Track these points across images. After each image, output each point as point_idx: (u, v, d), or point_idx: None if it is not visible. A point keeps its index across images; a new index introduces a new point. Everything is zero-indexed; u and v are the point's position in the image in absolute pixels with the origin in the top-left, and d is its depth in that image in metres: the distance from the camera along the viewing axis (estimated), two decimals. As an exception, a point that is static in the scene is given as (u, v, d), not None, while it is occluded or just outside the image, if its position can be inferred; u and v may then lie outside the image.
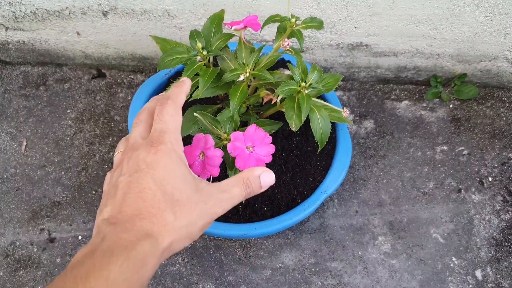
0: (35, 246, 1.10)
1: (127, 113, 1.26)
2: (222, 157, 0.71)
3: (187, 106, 0.89)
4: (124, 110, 1.27)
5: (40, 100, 1.29)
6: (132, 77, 1.33)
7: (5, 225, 1.12)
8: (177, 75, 1.08)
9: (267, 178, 0.60)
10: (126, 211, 0.49)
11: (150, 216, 0.49)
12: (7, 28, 1.23)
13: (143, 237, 0.47)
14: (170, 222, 0.49)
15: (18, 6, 1.15)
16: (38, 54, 1.32)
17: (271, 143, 0.74)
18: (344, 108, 0.81)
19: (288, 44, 0.75)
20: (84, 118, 1.26)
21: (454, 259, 1.10)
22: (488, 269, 1.09)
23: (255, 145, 0.72)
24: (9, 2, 1.14)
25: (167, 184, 0.51)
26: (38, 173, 1.19)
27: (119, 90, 1.31)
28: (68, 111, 1.27)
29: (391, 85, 1.34)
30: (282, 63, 1.07)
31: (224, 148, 0.76)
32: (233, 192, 0.56)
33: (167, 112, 0.57)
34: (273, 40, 1.19)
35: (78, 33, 1.23)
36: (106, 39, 1.24)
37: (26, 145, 1.23)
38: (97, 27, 1.20)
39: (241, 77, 0.77)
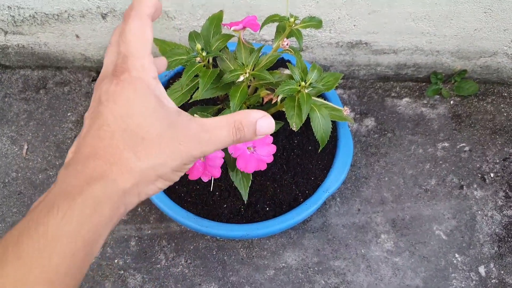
0: (38, 250, 1.10)
1: (127, 115, 1.26)
2: (223, 158, 0.72)
3: (188, 106, 0.90)
4: (124, 112, 1.27)
5: (40, 103, 1.29)
6: (132, 79, 1.33)
7: (8, 229, 1.12)
8: (176, 76, 1.08)
9: (265, 124, 0.49)
10: (83, 152, 0.42)
11: (107, 156, 0.42)
12: (6, 32, 1.23)
13: (95, 179, 0.40)
14: (132, 162, 0.42)
15: (17, 10, 1.15)
16: (38, 58, 1.32)
17: (272, 143, 0.74)
18: (345, 107, 0.81)
19: (287, 44, 0.75)
20: (84, 120, 1.26)
21: (457, 255, 1.10)
22: (492, 265, 1.09)
23: (256, 145, 0.73)
24: (8, 6, 1.14)
25: (129, 120, 0.43)
26: (40, 176, 1.19)
27: (119, 92, 1.31)
28: (69, 114, 1.27)
29: (391, 82, 1.34)
30: (281, 62, 1.07)
31: (225, 148, 0.76)
32: (218, 135, 0.46)
33: (129, 30, 0.45)
34: (272, 39, 1.19)
35: (77, 36, 1.23)
36: (105, 41, 1.24)
37: (27, 148, 1.23)
38: (96, 30, 1.20)
39: (241, 78, 0.77)
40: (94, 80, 1.33)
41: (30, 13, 1.16)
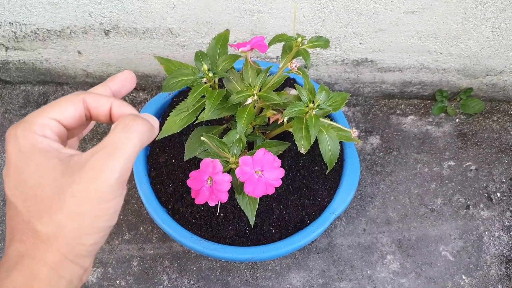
0: (38, 270, 1.08)
1: (129, 132, 1.24)
2: (231, 182, 0.70)
3: (193, 127, 0.88)
4: (126, 129, 1.25)
5: (41, 119, 1.27)
6: (134, 95, 1.32)
7: (4, 239, 1.10)
8: (180, 94, 1.06)
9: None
10: (6, 238, 0.40)
11: (19, 235, 0.38)
12: (7, 48, 1.21)
13: (14, 264, 0.37)
14: (41, 231, 0.37)
15: (18, 26, 1.13)
16: (39, 73, 1.30)
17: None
18: (353, 128, 0.79)
19: (295, 66, 0.73)
20: (86, 137, 1.24)
21: (464, 277, 1.08)
22: (499, 287, 1.07)
23: (264, 169, 0.71)
24: (10, 22, 1.12)
25: (24, 187, 0.39)
26: (40, 194, 1.17)
27: (121, 109, 1.29)
28: (70, 130, 1.26)
29: (396, 100, 1.32)
30: (287, 81, 1.06)
31: (231, 171, 0.75)
32: (121, 141, 0.40)
33: (64, 96, 0.43)
34: (278, 57, 1.18)
35: (79, 52, 1.21)
36: (107, 57, 1.22)
37: (27, 165, 1.21)
38: (99, 46, 1.19)
39: (249, 101, 0.76)
40: (96, 96, 1.32)
41: (31, 29, 1.14)
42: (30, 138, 0.40)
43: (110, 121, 0.44)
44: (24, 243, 0.38)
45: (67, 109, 0.42)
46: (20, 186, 0.39)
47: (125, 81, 0.48)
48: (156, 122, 0.44)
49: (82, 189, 0.37)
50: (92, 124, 0.49)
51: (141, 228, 1.12)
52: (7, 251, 0.39)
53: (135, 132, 0.40)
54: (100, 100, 0.43)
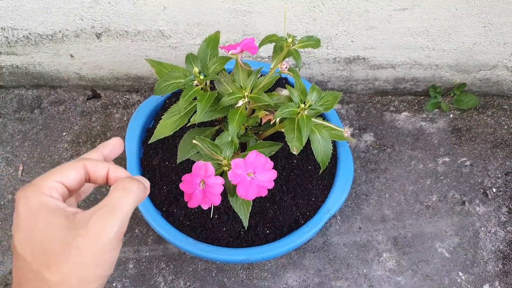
0: (34, 275, 1.08)
1: (123, 134, 1.24)
2: (223, 185, 0.70)
3: (185, 129, 0.88)
4: (120, 131, 1.25)
5: (35, 123, 1.27)
6: (128, 97, 1.32)
7: (4, 253, 1.10)
8: (173, 96, 1.06)
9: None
10: (13, 286, 0.45)
11: (28, 282, 0.43)
12: (0, 53, 1.21)
13: None
14: (50, 279, 0.42)
15: (10, 31, 1.13)
16: (32, 77, 1.30)
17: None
18: (345, 128, 0.79)
19: (286, 68, 0.73)
20: (80, 140, 1.24)
21: (461, 274, 1.08)
22: (497, 283, 1.07)
23: (256, 171, 0.71)
24: (1, 28, 1.12)
25: (34, 242, 0.43)
26: (35, 199, 1.16)
27: (114, 111, 1.29)
28: (64, 133, 1.26)
29: (390, 96, 1.32)
30: (278, 80, 1.06)
31: (224, 174, 0.75)
32: (118, 200, 0.46)
33: (67, 163, 0.49)
34: (269, 56, 1.18)
35: (71, 56, 1.21)
36: (100, 60, 1.22)
37: (22, 170, 1.21)
38: (91, 49, 1.18)
39: (240, 103, 0.76)
40: (89, 98, 1.32)
41: (24, 34, 1.14)
42: (39, 199, 0.45)
43: (107, 183, 0.50)
44: None
45: (70, 173, 0.48)
46: (30, 240, 0.44)
47: (115, 147, 0.54)
48: (147, 183, 0.51)
49: (86, 242, 0.43)
50: (90, 189, 0.57)
51: (137, 230, 1.12)
52: None
53: (132, 193, 0.47)
54: (99, 166, 0.49)
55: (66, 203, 0.47)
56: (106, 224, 0.44)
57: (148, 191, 0.51)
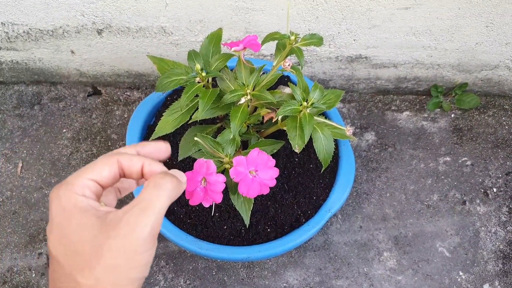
0: (33, 272, 1.07)
1: (124, 131, 1.24)
2: (225, 183, 0.69)
3: (187, 126, 0.88)
4: (121, 128, 1.25)
5: (35, 119, 1.27)
6: (129, 94, 1.31)
7: (2, 250, 1.10)
8: (174, 93, 1.06)
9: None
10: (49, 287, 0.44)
11: (63, 286, 0.42)
12: (0, 48, 1.20)
13: None
14: (82, 283, 0.41)
15: (10, 26, 1.13)
16: (32, 73, 1.30)
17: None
18: (347, 126, 0.79)
19: (289, 65, 0.73)
20: (80, 137, 1.24)
21: (461, 273, 1.08)
22: (497, 283, 1.07)
23: (258, 169, 0.70)
24: (2, 23, 1.12)
25: (66, 243, 0.42)
26: (35, 195, 1.16)
27: (115, 108, 1.29)
28: (64, 130, 1.25)
29: (391, 96, 1.32)
30: (281, 79, 1.06)
31: (226, 172, 0.74)
32: (152, 198, 0.44)
33: (101, 157, 0.48)
34: (271, 54, 1.18)
35: (72, 52, 1.20)
36: (101, 56, 1.22)
37: (21, 166, 1.20)
38: (92, 45, 1.18)
39: (242, 100, 0.76)
40: (90, 95, 1.31)
41: (24, 29, 1.13)
42: (72, 198, 0.44)
43: (142, 178, 0.49)
44: None
45: (103, 170, 0.46)
46: (63, 242, 0.43)
47: (158, 150, 0.53)
48: (183, 177, 0.50)
49: (117, 243, 0.41)
50: (133, 186, 0.55)
51: (137, 228, 1.11)
52: None
53: (165, 190, 0.45)
54: (133, 160, 0.48)
55: (104, 200, 0.47)
56: (138, 224, 0.42)
57: (185, 186, 0.49)
